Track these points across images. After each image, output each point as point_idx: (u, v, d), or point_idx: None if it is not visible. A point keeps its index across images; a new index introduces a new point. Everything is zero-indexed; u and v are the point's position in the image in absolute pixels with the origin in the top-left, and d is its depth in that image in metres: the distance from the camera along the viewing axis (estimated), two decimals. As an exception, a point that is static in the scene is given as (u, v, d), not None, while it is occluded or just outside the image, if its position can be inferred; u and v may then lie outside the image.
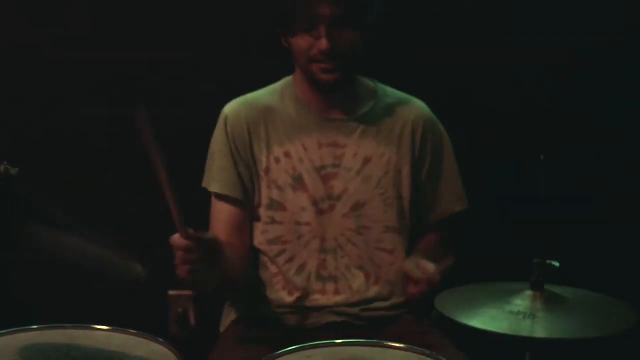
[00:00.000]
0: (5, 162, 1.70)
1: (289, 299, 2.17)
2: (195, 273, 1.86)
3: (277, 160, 2.17)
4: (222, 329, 2.27)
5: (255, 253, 2.23)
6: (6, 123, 2.63)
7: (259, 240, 2.19)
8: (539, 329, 1.68)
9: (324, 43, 2.03)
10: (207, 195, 2.23)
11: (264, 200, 2.18)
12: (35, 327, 1.90)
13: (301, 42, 2.07)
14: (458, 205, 2.28)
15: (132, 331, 1.87)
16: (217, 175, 2.20)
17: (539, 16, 2.62)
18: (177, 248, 1.85)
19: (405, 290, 2.07)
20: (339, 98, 2.18)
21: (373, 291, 2.17)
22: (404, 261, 2.13)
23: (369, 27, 2.09)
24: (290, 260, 2.17)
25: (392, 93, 2.27)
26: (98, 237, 1.66)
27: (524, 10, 2.62)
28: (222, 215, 2.19)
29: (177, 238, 1.84)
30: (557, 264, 1.81)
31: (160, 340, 1.82)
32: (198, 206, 2.23)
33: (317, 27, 2.03)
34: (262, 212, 2.19)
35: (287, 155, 2.17)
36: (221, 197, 2.19)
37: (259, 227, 2.20)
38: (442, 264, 2.10)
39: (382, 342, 1.85)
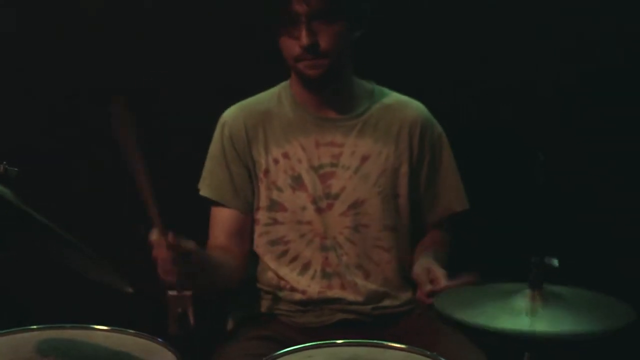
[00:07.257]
0: (5, 163, 1.69)
1: (295, 298, 2.16)
2: (179, 280, 1.80)
3: (276, 162, 2.17)
4: (229, 327, 2.26)
5: (256, 256, 2.23)
6: (6, 123, 2.63)
7: (258, 242, 2.19)
8: (540, 327, 1.67)
9: (303, 39, 2.02)
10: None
11: (264, 202, 2.18)
12: (34, 327, 1.89)
13: (285, 42, 2.08)
14: (457, 205, 2.27)
15: (131, 331, 1.87)
16: (206, 179, 2.22)
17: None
18: (158, 257, 1.79)
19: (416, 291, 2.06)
20: (335, 97, 2.18)
21: (373, 288, 2.17)
22: (413, 266, 2.11)
23: (353, 20, 2.08)
24: (294, 259, 2.17)
25: (390, 94, 2.26)
26: (88, 249, 1.63)
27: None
28: (217, 220, 2.21)
29: (157, 243, 1.78)
30: (556, 263, 1.79)
31: (160, 340, 1.82)
32: (199, 209, 2.23)
33: (297, 25, 2.03)
34: (262, 214, 2.19)
35: (286, 156, 2.17)
36: (214, 202, 2.21)
37: (258, 230, 2.19)
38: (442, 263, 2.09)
39: (383, 342, 1.85)
